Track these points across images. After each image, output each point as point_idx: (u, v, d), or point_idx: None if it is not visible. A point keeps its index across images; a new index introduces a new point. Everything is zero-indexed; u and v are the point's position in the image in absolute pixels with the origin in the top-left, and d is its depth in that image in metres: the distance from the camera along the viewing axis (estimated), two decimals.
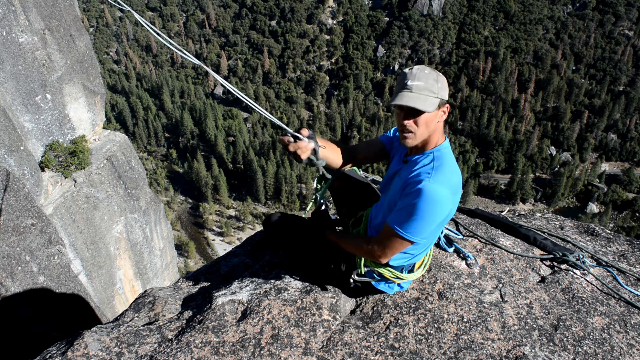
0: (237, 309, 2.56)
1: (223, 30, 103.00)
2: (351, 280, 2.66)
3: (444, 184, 2.12)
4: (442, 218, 2.18)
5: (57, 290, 4.83)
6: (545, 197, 74.09)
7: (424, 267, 2.69)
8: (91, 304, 5.66)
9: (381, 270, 2.51)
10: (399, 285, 2.69)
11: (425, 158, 2.25)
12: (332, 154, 2.62)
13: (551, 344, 2.50)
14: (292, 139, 2.39)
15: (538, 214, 3.89)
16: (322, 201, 2.95)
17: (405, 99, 2.11)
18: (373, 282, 2.64)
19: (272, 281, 2.81)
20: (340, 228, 3.14)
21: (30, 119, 12.30)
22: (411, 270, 2.62)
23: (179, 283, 3.49)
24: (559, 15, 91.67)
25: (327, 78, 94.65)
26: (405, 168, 2.35)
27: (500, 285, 2.89)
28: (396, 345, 2.41)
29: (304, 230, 2.91)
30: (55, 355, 2.25)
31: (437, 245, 3.16)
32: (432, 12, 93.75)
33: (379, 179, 3.43)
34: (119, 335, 2.37)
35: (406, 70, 2.16)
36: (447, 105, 2.20)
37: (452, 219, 3.50)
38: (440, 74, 2.15)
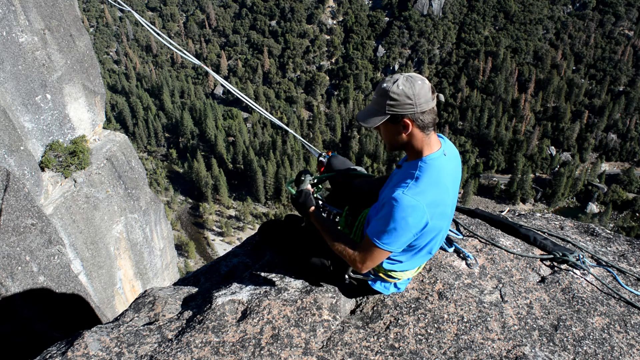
0: (237, 309, 2.56)
1: (223, 30, 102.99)
2: (346, 277, 2.68)
3: (417, 196, 2.13)
4: (416, 230, 2.19)
5: (57, 290, 4.83)
6: (545, 197, 74.10)
7: (418, 269, 2.71)
8: (91, 304, 5.66)
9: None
10: (395, 286, 2.69)
11: (412, 167, 2.27)
12: None
13: (551, 344, 2.50)
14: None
15: (538, 214, 3.89)
16: (320, 199, 2.96)
17: (361, 111, 2.27)
18: (369, 282, 2.65)
19: (272, 281, 2.81)
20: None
21: (30, 119, 12.30)
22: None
23: (179, 283, 3.49)
24: (559, 15, 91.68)
25: (327, 78, 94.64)
26: (397, 174, 2.39)
27: (500, 285, 2.88)
28: (396, 345, 2.41)
29: (295, 229, 2.96)
30: (55, 355, 2.25)
31: None
32: (432, 12, 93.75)
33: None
34: (119, 335, 2.37)
35: (387, 78, 2.20)
36: (406, 120, 2.16)
37: (453, 220, 3.50)
38: (408, 86, 2.11)
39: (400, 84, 2.12)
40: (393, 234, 2.18)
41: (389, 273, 2.55)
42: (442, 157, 2.27)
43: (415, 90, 2.11)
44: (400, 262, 2.50)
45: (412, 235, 2.22)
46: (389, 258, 2.46)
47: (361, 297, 2.78)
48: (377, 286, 2.66)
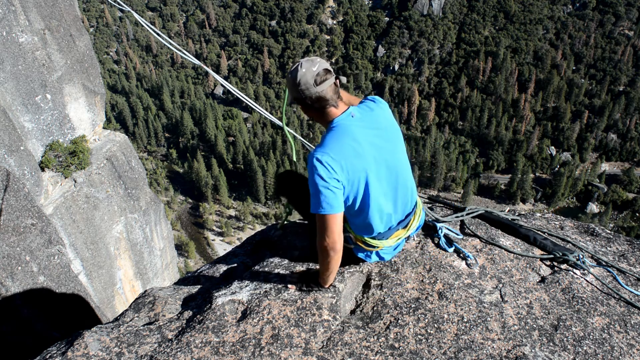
0: (237, 309, 2.56)
1: (223, 30, 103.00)
2: None
3: (320, 150, 2.29)
4: (337, 177, 2.28)
5: (57, 290, 4.83)
6: (545, 197, 74.12)
7: (398, 238, 2.73)
8: (91, 304, 5.66)
9: (349, 232, 2.63)
10: (378, 255, 2.76)
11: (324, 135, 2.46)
12: None
13: (551, 344, 2.50)
14: None
15: (538, 214, 3.89)
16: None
17: None
18: (353, 249, 2.73)
19: (272, 281, 2.81)
20: None
21: (30, 119, 12.29)
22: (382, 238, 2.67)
23: (179, 283, 3.49)
24: (559, 15, 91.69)
25: None
26: None
27: (500, 285, 2.88)
28: (396, 345, 2.41)
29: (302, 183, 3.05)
30: (55, 355, 2.25)
31: (437, 245, 3.16)
32: (432, 12, 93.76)
33: None
34: (119, 335, 2.37)
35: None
36: (296, 100, 2.41)
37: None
38: (295, 72, 2.32)
39: (292, 69, 2.34)
40: (321, 195, 2.27)
41: (364, 240, 2.63)
42: (348, 118, 2.37)
43: (298, 77, 2.30)
44: (356, 224, 2.56)
45: (340, 185, 2.29)
46: (351, 223, 2.56)
47: (361, 297, 2.78)
48: (360, 255, 2.76)
